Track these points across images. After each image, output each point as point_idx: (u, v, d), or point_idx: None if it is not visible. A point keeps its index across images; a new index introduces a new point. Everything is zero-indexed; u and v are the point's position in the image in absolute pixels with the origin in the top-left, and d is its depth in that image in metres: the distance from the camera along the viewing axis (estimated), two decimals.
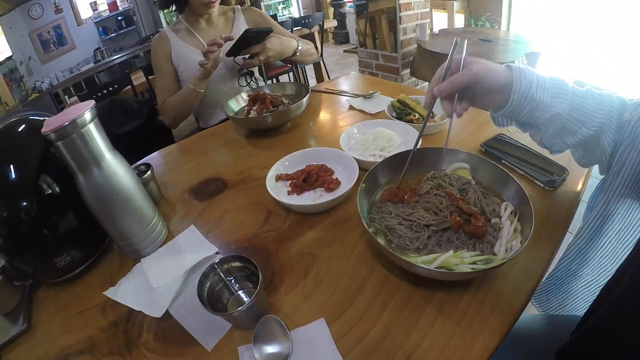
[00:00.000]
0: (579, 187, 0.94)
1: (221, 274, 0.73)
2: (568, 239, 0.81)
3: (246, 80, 1.78)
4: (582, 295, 0.88)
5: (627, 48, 4.19)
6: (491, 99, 0.76)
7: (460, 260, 0.70)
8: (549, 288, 0.91)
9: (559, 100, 0.70)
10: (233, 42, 1.49)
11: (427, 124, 1.26)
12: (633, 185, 0.68)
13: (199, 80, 1.53)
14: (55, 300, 0.86)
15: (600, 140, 0.72)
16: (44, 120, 0.81)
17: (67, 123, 0.73)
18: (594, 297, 0.73)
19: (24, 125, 0.84)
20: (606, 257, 0.77)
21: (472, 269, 0.69)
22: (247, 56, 1.57)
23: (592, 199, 0.82)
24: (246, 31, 1.43)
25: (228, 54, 1.55)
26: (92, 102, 0.80)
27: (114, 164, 0.83)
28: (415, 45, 3.67)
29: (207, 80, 1.55)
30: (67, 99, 4.92)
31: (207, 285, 0.70)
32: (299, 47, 1.70)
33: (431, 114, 1.33)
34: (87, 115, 0.77)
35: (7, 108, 4.69)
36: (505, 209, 0.80)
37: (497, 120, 0.82)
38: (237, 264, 0.74)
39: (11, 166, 0.78)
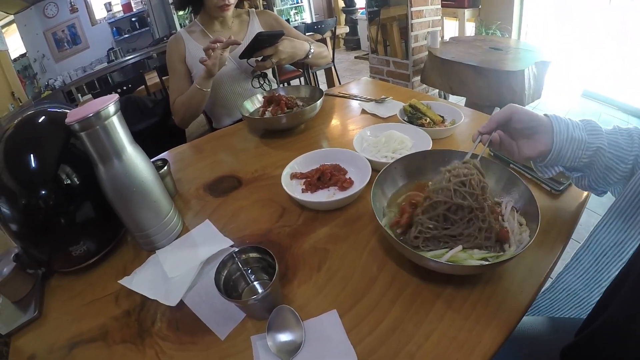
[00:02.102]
0: (585, 192, 0.95)
1: (239, 263, 0.75)
2: (571, 243, 0.83)
3: (259, 82, 1.80)
4: (580, 307, 0.89)
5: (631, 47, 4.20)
6: (533, 143, 0.78)
7: (469, 255, 0.72)
8: (542, 305, 0.93)
9: (596, 137, 0.73)
10: (244, 45, 1.50)
11: (438, 128, 1.28)
12: None
13: (204, 79, 1.53)
14: (68, 288, 0.88)
15: (634, 171, 0.73)
16: (62, 112, 0.83)
17: (91, 114, 0.75)
18: (594, 304, 0.74)
19: (44, 117, 0.87)
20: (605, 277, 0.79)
21: (481, 264, 0.70)
22: (259, 58, 1.60)
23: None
24: (258, 34, 1.45)
25: (241, 56, 1.57)
26: (115, 96, 0.82)
27: (134, 156, 0.85)
28: (427, 53, 3.68)
29: (212, 79, 1.55)
30: (80, 97, 4.98)
31: (225, 273, 0.72)
32: (311, 50, 1.72)
33: (442, 119, 1.36)
34: (111, 108, 0.79)
35: (20, 104, 4.74)
36: (506, 207, 0.82)
37: (543, 170, 0.83)
38: (254, 254, 0.75)
39: (31, 155, 0.80)
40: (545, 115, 0.78)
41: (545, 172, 0.83)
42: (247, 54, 1.55)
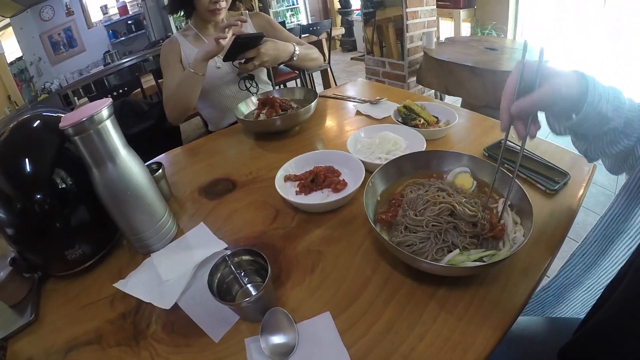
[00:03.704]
0: (580, 192, 0.96)
1: (232, 266, 0.75)
2: (567, 242, 0.83)
3: (245, 85, 1.79)
4: (580, 300, 0.89)
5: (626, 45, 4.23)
6: (558, 109, 0.70)
7: (467, 257, 0.72)
8: (545, 299, 0.93)
9: (618, 114, 0.67)
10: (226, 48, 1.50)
11: (432, 129, 1.28)
12: None
13: (201, 62, 1.50)
14: (64, 292, 0.88)
15: (635, 150, 0.71)
16: (57, 116, 0.83)
17: (85, 119, 0.75)
18: (593, 301, 0.73)
19: (38, 121, 0.87)
20: (612, 263, 0.78)
21: (474, 266, 0.70)
22: (242, 61, 1.58)
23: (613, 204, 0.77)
24: (236, 37, 1.44)
25: (225, 59, 1.55)
26: (109, 100, 0.82)
27: (128, 160, 0.85)
28: (422, 54, 3.68)
29: (208, 62, 1.53)
30: (77, 100, 4.98)
31: (218, 276, 0.72)
32: (296, 52, 1.69)
33: (436, 120, 1.36)
34: (105, 112, 0.79)
35: (17, 108, 4.74)
36: (503, 204, 0.82)
37: (556, 129, 0.76)
38: (247, 257, 0.76)
39: (26, 159, 0.80)
40: (579, 75, 0.68)
41: (557, 132, 0.76)
42: (229, 56, 1.53)
